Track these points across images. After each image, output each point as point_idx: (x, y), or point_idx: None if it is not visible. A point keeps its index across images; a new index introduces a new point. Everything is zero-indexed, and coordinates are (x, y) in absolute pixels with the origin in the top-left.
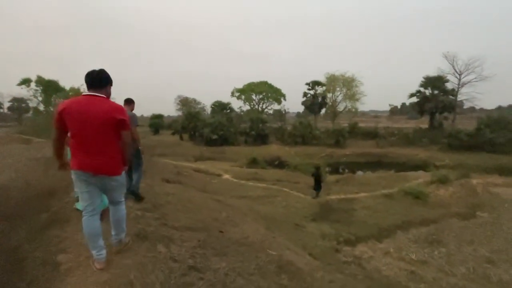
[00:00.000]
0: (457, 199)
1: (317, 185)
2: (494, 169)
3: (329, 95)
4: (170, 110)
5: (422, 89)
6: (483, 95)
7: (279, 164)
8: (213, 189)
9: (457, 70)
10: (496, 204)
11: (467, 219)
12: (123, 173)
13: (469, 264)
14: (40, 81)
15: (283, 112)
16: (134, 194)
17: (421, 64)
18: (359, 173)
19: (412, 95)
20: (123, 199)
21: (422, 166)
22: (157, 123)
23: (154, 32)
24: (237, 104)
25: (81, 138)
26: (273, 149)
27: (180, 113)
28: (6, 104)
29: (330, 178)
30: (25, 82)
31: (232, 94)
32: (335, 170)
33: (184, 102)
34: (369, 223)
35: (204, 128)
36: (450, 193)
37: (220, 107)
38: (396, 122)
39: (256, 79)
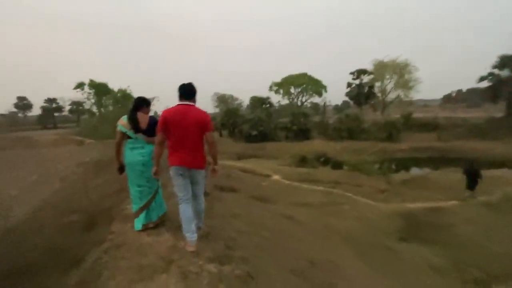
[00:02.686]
0: None
1: (472, 183)
2: None
3: (377, 84)
4: (207, 107)
5: (496, 71)
6: None
7: (325, 161)
8: (267, 195)
9: None
10: None
11: None
12: (206, 169)
13: None
14: (92, 84)
15: (324, 104)
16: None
17: (475, 49)
18: (424, 171)
19: (482, 79)
20: (202, 192)
21: (502, 162)
22: None
23: (186, 33)
24: (276, 99)
25: (181, 139)
26: (317, 144)
27: (217, 110)
28: (67, 108)
29: (394, 178)
30: (80, 86)
31: (270, 88)
32: (394, 168)
33: (222, 99)
34: (489, 248)
35: (243, 124)
36: None
37: (259, 102)
38: (453, 111)
39: (288, 72)
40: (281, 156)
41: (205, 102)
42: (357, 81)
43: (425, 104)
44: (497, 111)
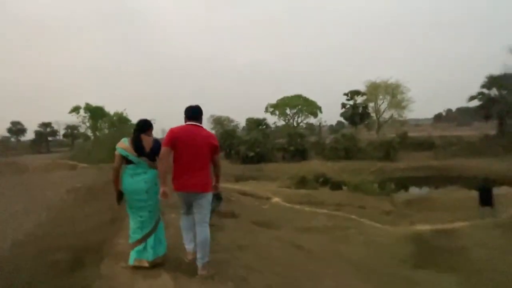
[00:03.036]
0: None
1: (486, 200)
2: None
3: (371, 104)
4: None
5: (485, 90)
6: None
7: (324, 181)
8: (269, 219)
9: None
10: None
11: None
12: (210, 192)
13: None
14: (88, 108)
15: (319, 125)
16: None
17: (464, 68)
18: (425, 190)
19: (472, 98)
20: (207, 219)
21: (500, 180)
22: None
23: (175, 53)
24: (271, 120)
25: (191, 158)
26: (314, 165)
27: (213, 131)
28: (62, 132)
29: (397, 198)
30: (76, 109)
31: (266, 110)
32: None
33: (218, 121)
34: (509, 273)
35: (240, 145)
36: None
37: (255, 124)
38: (445, 130)
39: (281, 94)
40: (279, 177)
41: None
42: (351, 102)
43: (417, 124)
44: (488, 128)
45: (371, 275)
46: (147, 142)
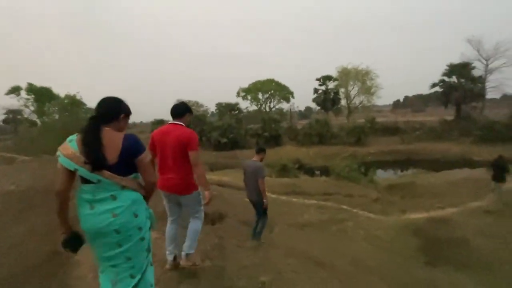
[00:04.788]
0: None
1: (501, 175)
2: None
3: (342, 90)
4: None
5: (446, 78)
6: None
7: (300, 167)
8: None
9: (484, 56)
10: None
11: None
12: (196, 192)
13: None
14: (31, 89)
15: (290, 110)
16: (256, 238)
17: (423, 57)
18: (398, 174)
19: (434, 85)
20: (199, 215)
21: (461, 162)
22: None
23: (144, 35)
24: (243, 105)
25: (164, 159)
26: (289, 150)
27: None
28: (1, 117)
29: (381, 183)
30: (15, 90)
31: (238, 94)
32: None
33: None
34: None
35: (211, 131)
36: None
37: (228, 109)
38: (403, 116)
39: (250, 80)
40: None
41: (167, 110)
42: (323, 87)
43: (378, 110)
44: (443, 114)
45: (389, 280)
46: (111, 142)
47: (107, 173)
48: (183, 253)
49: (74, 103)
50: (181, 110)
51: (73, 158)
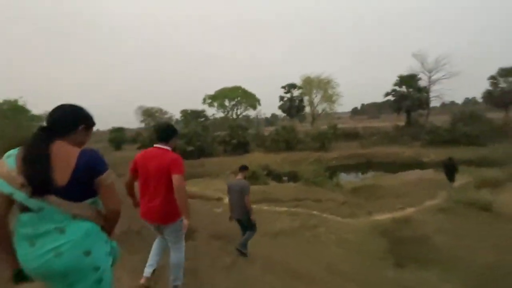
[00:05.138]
0: None
1: (451, 175)
2: (478, 161)
3: (306, 97)
4: (130, 122)
5: (397, 88)
6: (451, 90)
7: (269, 173)
8: (230, 228)
9: (427, 69)
10: None
11: None
12: (179, 220)
13: None
14: None
15: (257, 117)
16: (239, 250)
17: (378, 69)
18: (360, 176)
19: (387, 94)
20: (180, 246)
21: (413, 164)
22: (118, 137)
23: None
24: (210, 112)
25: (144, 184)
26: (257, 157)
27: (143, 125)
28: None
29: (346, 187)
30: None
31: (204, 101)
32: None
33: (148, 113)
34: (474, 261)
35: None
36: None
37: (194, 116)
38: (360, 122)
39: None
40: (223, 172)
41: (127, 117)
42: (288, 95)
43: (338, 117)
44: (395, 120)
45: (363, 283)
46: (62, 159)
47: (52, 198)
48: (171, 285)
49: (16, 109)
50: (167, 133)
51: (7, 178)
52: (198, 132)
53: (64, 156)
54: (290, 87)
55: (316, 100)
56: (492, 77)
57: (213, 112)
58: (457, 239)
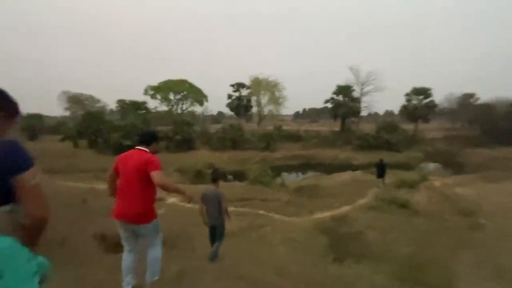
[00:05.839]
0: (440, 205)
1: (382, 173)
2: (396, 164)
3: (253, 98)
4: (52, 109)
5: (335, 96)
6: (376, 102)
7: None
8: (174, 231)
9: (360, 81)
10: (478, 207)
11: (479, 229)
12: (155, 220)
13: None
14: None
15: (202, 113)
16: (215, 258)
17: (317, 78)
18: (301, 176)
19: (327, 101)
20: (157, 242)
21: (346, 165)
22: (34, 125)
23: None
24: (152, 105)
25: (123, 184)
26: (203, 155)
27: (68, 113)
28: None
29: (290, 186)
30: None
31: (146, 92)
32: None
33: (75, 100)
34: (398, 251)
35: (111, 132)
36: (426, 198)
37: (133, 107)
38: (302, 125)
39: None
40: (164, 170)
41: (48, 104)
42: (237, 94)
43: (281, 119)
44: (332, 125)
45: (309, 282)
46: None
47: None
48: (147, 281)
49: None
50: (148, 138)
51: None
52: (137, 125)
53: None
54: (239, 86)
55: (264, 101)
56: (407, 94)
57: (155, 105)
58: (384, 233)
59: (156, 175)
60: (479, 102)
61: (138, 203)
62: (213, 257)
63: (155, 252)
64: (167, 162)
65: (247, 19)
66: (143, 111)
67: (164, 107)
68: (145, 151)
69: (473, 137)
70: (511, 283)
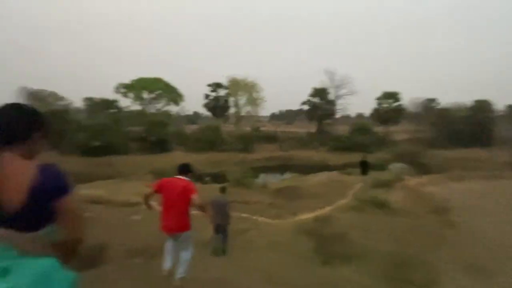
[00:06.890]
0: (415, 204)
1: (365, 170)
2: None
3: (231, 98)
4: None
5: (311, 98)
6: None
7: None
8: (151, 239)
9: (334, 85)
10: (449, 205)
11: (452, 227)
12: (189, 231)
13: None
14: None
15: (179, 114)
16: (226, 253)
17: (295, 82)
18: (278, 177)
19: (303, 103)
20: (190, 247)
21: (321, 166)
22: None
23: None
24: (123, 103)
25: (170, 203)
26: (178, 156)
27: None
28: None
29: (270, 188)
30: None
31: (117, 90)
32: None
33: (37, 96)
34: (379, 249)
35: (78, 132)
36: (401, 198)
37: (103, 106)
38: (278, 126)
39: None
40: (135, 173)
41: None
42: (214, 94)
43: (258, 120)
44: (309, 127)
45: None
46: (13, 176)
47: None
48: (177, 277)
49: None
50: (186, 169)
51: None
52: (106, 125)
53: (16, 173)
54: (217, 86)
55: (241, 102)
56: (378, 98)
57: (127, 104)
58: (366, 233)
59: (196, 198)
60: (439, 107)
61: (181, 218)
62: (225, 249)
63: (187, 255)
64: (139, 165)
65: (224, 19)
66: (114, 110)
67: (137, 106)
68: (185, 179)
69: (433, 139)
70: (487, 277)
